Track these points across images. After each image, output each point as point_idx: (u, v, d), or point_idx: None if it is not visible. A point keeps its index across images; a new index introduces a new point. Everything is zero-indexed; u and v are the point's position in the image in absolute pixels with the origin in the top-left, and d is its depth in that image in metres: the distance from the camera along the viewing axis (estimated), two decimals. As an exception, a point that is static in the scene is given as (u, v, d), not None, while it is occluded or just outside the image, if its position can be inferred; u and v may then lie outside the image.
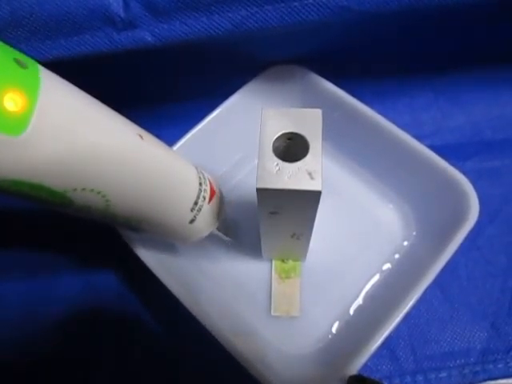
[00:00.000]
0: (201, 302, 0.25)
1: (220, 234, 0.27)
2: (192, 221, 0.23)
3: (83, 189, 0.17)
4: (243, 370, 0.23)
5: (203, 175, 0.24)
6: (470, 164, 0.35)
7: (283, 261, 0.30)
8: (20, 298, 0.32)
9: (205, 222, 0.24)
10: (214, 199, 0.25)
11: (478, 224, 0.26)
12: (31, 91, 0.14)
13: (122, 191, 0.18)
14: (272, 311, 0.28)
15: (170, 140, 0.30)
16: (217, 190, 0.25)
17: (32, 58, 0.25)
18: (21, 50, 0.24)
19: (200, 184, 0.23)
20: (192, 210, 0.23)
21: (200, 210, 0.23)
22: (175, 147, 0.30)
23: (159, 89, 0.34)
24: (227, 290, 0.29)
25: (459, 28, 0.32)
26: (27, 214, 0.33)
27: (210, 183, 0.25)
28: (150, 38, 0.24)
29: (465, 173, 0.27)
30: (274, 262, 0.30)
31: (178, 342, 0.29)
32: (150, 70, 0.31)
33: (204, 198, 0.24)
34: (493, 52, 0.35)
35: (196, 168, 0.24)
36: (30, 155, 0.14)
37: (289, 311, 0.28)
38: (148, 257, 0.26)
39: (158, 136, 0.36)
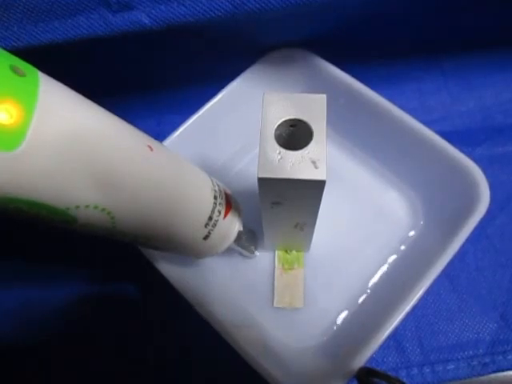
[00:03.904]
0: (201, 293, 0.25)
1: (238, 248, 0.26)
2: (206, 237, 0.22)
3: (86, 206, 0.16)
4: (247, 364, 0.22)
5: (219, 187, 0.23)
6: (481, 150, 0.34)
7: (286, 251, 0.29)
8: (19, 302, 0.31)
9: (220, 238, 0.23)
10: (231, 213, 0.23)
11: (488, 212, 0.25)
12: (28, 102, 0.13)
13: (127, 208, 0.17)
14: (275, 303, 0.28)
15: (170, 126, 0.29)
16: (233, 203, 0.24)
17: (29, 43, 0.24)
18: (13, 33, 0.23)
19: (215, 198, 0.22)
20: (206, 225, 0.22)
21: (215, 225, 0.22)
22: (175, 134, 0.29)
23: (159, 74, 0.33)
24: (228, 281, 0.29)
25: (470, 9, 0.31)
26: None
27: (226, 195, 0.24)
28: (146, 20, 0.23)
29: (475, 159, 0.27)
30: (276, 252, 0.29)
31: (179, 334, 0.29)
32: (150, 55, 0.30)
33: (219, 212, 0.22)
34: (503, 35, 0.34)
35: (211, 180, 0.23)
36: (27, 170, 0.13)
37: (292, 303, 0.28)
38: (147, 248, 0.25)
39: (160, 121, 0.36)
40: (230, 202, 0.24)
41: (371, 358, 0.22)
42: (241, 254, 0.28)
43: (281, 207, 0.21)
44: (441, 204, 0.28)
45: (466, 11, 0.31)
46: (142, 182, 0.18)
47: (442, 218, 0.28)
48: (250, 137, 0.30)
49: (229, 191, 0.25)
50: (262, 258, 0.29)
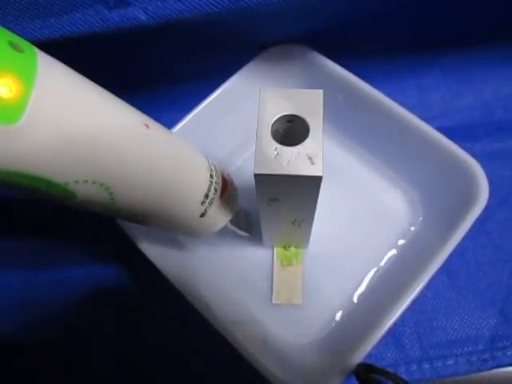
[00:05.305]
0: (199, 289, 0.25)
1: (234, 228, 0.26)
2: (203, 215, 0.22)
3: (85, 181, 0.16)
4: (245, 362, 0.22)
5: (215, 167, 0.23)
6: (480, 145, 0.33)
7: (285, 248, 0.29)
8: (20, 285, 0.31)
9: (217, 216, 0.24)
10: (227, 192, 0.24)
11: (488, 208, 0.25)
12: (27, 76, 0.13)
13: (126, 183, 0.18)
14: (273, 299, 0.28)
15: (168, 123, 0.29)
16: (229, 183, 0.24)
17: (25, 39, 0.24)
18: (10, 30, 0.23)
19: (211, 176, 0.22)
20: (202, 203, 0.22)
21: (211, 203, 0.22)
22: (173, 131, 0.29)
23: (157, 71, 0.33)
24: (227, 278, 0.29)
25: (469, 3, 0.30)
26: (28, 201, 0.33)
27: (223, 175, 0.24)
28: (143, 16, 0.23)
29: (475, 155, 0.26)
30: (275, 249, 0.29)
31: (179, 331, 0.28)
32: (148, 52, 0.30)
33: (215, 190, 0.23)
34: (503, 29, 0.33)
35: (207, 159, 0.23)
36: (27, 145, 0.13)
37: (290, 299, 0.28)
38: (145, 244, 0.25)
39: (158, 119, 0.35)
40: (227, 182, 0.24)
41: (370, 354, 0.22)
42: (237, 233, 0.28)
43: (278, 204, 0.21)
44: (440, 199, 0.28)
45: (466, 6, 0.31)
46: (139, 157, 0.18)
47: (441, 213, 0.28)
48: (248, 133, 0.30)
49: (226, 172, 0.25)
50: (261, 254, 0.29)
